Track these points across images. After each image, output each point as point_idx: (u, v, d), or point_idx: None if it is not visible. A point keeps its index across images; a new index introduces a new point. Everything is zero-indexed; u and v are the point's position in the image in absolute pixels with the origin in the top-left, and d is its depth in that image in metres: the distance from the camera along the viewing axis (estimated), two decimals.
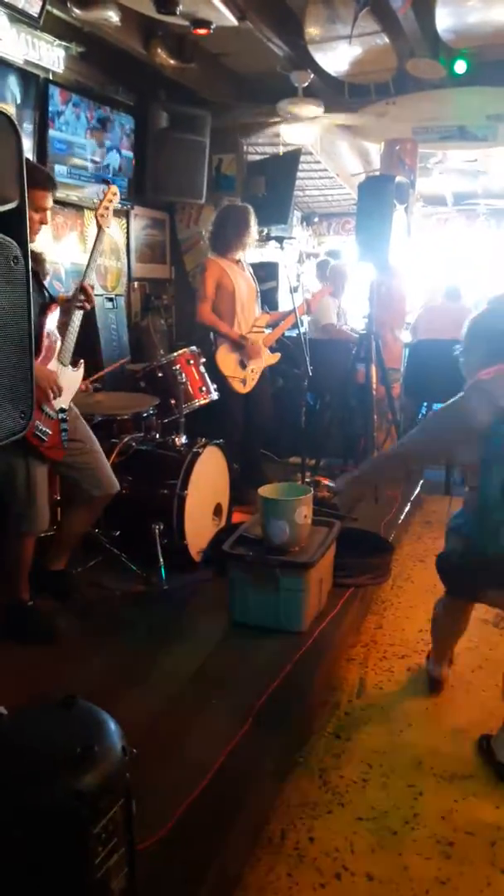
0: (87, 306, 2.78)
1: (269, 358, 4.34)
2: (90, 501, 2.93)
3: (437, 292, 6.02)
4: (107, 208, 2.84)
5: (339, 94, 6.06)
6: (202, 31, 3.89)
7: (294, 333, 4.88)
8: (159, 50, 4.54)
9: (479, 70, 5.36)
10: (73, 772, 1.33)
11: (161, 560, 3.14)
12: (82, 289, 2.74)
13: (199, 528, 3.34)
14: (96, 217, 2.84)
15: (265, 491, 3.01)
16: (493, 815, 2.18)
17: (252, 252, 4.63)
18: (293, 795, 2.24)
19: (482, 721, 2.61)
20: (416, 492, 5.06)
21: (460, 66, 5.34)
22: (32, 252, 2.83)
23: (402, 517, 4.50)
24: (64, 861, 1.33)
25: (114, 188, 2.89)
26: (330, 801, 2.23)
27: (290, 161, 6.16)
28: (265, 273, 5.06)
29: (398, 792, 2.28)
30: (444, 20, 4.69)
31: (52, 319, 2.68)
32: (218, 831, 1.91)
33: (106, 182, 2.98)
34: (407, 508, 4.68)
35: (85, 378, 2.94)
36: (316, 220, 9.70)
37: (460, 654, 3.06)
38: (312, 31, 4.86)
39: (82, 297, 2.74)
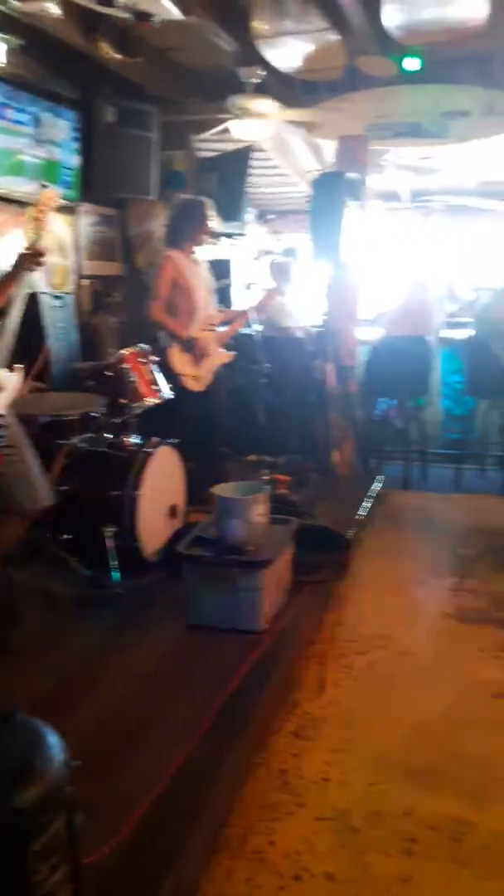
0: (41, 260, 2.63)
1: (223, 356, 4.28)
2: (21, 514, 2.78)
3: (403, 288, 6.00)
4: (42, 212, 2.69)
5: (291, 91, 6.04)
6: (145, 25, 3.81)
7: (250, 331, 4.85)
8: (102, 44, 4.44)
9: (431, 67, 5.38)
10: (11, 788, 1.27)
11: (113, 563, 3.07)
12: (28, 254, 2.61)
13: (153, 529, 3.28)
14: (31, 220, 2.70)
15: (220, 490, 2.96)
16: (456, 810, 2.16)
17: (205, 249, 4.57)
18: (253, 798, 2.20)
19: (444, 715, 2.60)
20: (377, 487, 5.05)
21: (411, 64, 5.34)
22: None
23: (362, 512, 4.49)
24: (4, 880, 1.26)
25: (49, 192, 2.73)
26: (290, 802, 2.18)
27: (241, 158, 6.12)
28: (218, 270, 4.99)
29: (359, 789, 2.24)
30: (393, 17, 4.69)
31: None
32: (174, 839, 1.86)
33: (43, 185, 2.83)
34: (367, 503, 4.67)
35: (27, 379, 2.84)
36: (272, 217, 9.68)
37: (421, 649, 3.05)
38: (260, 26, 4.83)
39: (28, 261, 2.59)
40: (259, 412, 4.20)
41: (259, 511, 2.91)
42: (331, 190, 4.43)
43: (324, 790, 2.24)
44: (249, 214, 8.11)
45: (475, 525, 4.48)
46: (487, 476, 5.33)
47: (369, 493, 4.85)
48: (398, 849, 2.02)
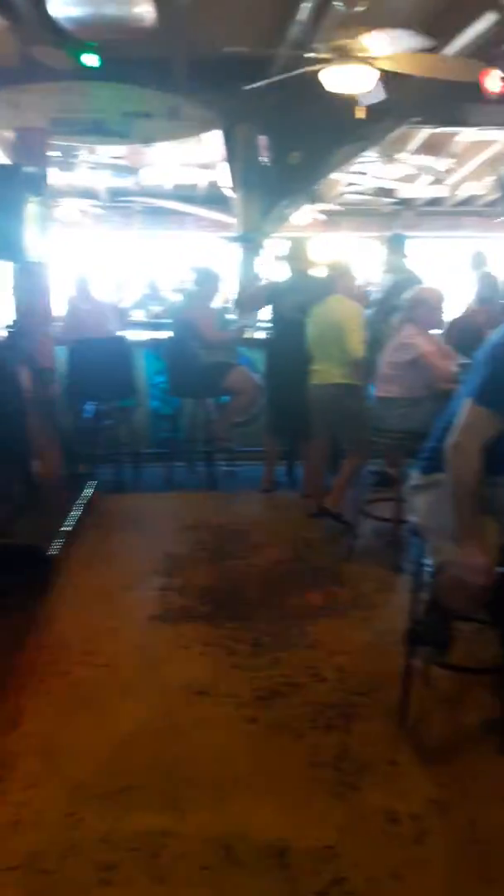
0: None
1: None
2: None
3: (68, 291, 5.91)
4: None
5: None
6: None
7: None
8: None
9: (113, 65, 5.31)
10: None
11: None
12: None
13: None
14: None
15: None
16: (155, 823, 2.09)
17: None
18: None
19: (145, 725, 2.53)
20: (88, 493, 4.89)
21: (90, 59, 5.23)
22: None
23: (70, 522, 4.30)
24: None
25: None
26: None
27: None
28: None
29: (54, 826, 2.08)
30: (59, 8, 4.54)
31: None
32: None
33: None
34: (76, 512, 4.49)
35: None
36: None
37: (125, 659, 2.96)
38: None
39: None
40: None
41: None
42: (8, 184, 4.16)
43: (14, 835, 2.04)
44: None
45: (185, 521, 4.53)
46: (196, 471, 5.46)
47: (79, 501, 4.67)
48: (95, 881, 1.91)
